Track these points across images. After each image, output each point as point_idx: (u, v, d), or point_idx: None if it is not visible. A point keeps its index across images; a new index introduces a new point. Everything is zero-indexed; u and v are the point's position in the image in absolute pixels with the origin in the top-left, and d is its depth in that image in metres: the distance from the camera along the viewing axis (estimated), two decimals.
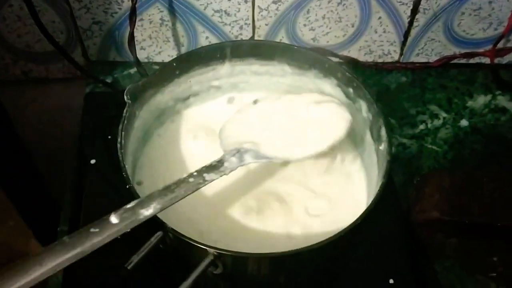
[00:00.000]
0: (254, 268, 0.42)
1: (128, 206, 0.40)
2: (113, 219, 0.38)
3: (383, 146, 0.49)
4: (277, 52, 0.58)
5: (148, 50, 0.74)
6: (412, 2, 0.70)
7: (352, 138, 0.57)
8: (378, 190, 0.44)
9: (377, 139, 0.51)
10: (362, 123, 0.54)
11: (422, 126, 0.72)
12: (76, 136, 0.67)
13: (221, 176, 0.46)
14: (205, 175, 0.45)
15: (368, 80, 0.76)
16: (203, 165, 0.46)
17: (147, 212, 0.39)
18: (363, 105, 0.53)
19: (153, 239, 0.39)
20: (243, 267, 0.42)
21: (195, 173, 0.45)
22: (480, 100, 0.76)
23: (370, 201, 0.44)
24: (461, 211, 0.55)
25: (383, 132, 0.49)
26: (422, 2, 0.70)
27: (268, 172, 0.55)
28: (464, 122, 0.73)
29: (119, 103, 0.50)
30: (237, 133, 0.53)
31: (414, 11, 0.71)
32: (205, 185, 0.45)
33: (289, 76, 0.59)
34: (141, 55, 0.73)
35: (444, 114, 0.73)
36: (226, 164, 0.47)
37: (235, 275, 0.42)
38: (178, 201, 0.42)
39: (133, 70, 0.74)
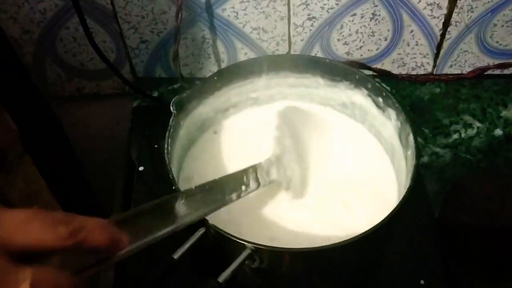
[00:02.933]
0: (289, 263, 0.45)
1: None
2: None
3: (410, 151, 0.51)
4: (311, 65, 0.61)
5: (191, 66, 0.78)
6: (443, 15, 0.71)
7: (384, 145, 0.60)
8: (406, 192, 0.46)
9: (405, 145, 0.53)
10: (392, 131, 0.57)
11: (455, 136, 0.73)
12: (124, 147, 0.72)
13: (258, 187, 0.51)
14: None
15: (401, 92, 0.78)
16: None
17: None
18: (392, 114, 0.56)
19: (197, 234, 0.43)
20: (278, 262, 0.45)
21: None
22: None
23: None
24: (490, 217, 0.56)
25: (411, 138, 0.51)
26: (453, 15, 0.71)
27: None
28: (498, 131, 0.73)
29: (164, 116, 0.54)
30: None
31: (446, 24, 0.72)
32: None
33: (322, 87, 0.62)
34: (185, 71, 0.78)
35: (478, 124, 0.74)
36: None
37: (271, 269, 0.45)
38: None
39: (177, 85, 0.78)
